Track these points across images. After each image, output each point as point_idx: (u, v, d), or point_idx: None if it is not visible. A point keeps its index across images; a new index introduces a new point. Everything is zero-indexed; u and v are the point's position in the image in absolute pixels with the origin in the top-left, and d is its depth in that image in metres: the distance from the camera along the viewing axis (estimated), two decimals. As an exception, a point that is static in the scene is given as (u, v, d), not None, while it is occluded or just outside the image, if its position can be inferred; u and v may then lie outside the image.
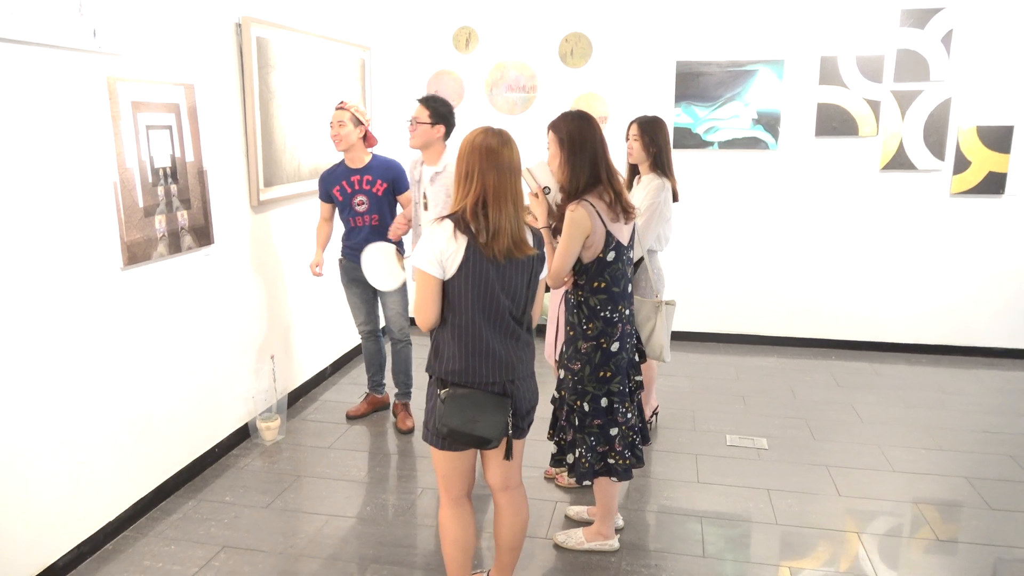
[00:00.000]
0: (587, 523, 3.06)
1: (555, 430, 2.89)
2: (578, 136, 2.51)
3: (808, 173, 5.20)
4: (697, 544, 2.96)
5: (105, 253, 2.87)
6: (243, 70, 3.71)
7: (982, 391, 4.64)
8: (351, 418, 4.19)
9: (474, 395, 2.24)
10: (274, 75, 3.94)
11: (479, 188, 2.18)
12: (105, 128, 2.84)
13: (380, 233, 3.87)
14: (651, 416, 3.91)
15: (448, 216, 2.22)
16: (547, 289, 2.58)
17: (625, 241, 2.61)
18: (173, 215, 3.25)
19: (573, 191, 2.54)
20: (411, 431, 4.05)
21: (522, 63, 5.40)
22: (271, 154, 3.98)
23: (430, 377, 2.37)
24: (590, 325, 2.61)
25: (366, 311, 4.07)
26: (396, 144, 5.41)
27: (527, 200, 2.54)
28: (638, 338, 2.79)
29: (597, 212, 2.50)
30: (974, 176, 4.99)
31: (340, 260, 4.04)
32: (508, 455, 2.35)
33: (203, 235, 3.46)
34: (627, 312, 2.66)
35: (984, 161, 4.96)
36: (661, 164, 3.50)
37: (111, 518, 2.96)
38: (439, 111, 3.53)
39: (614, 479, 2.75)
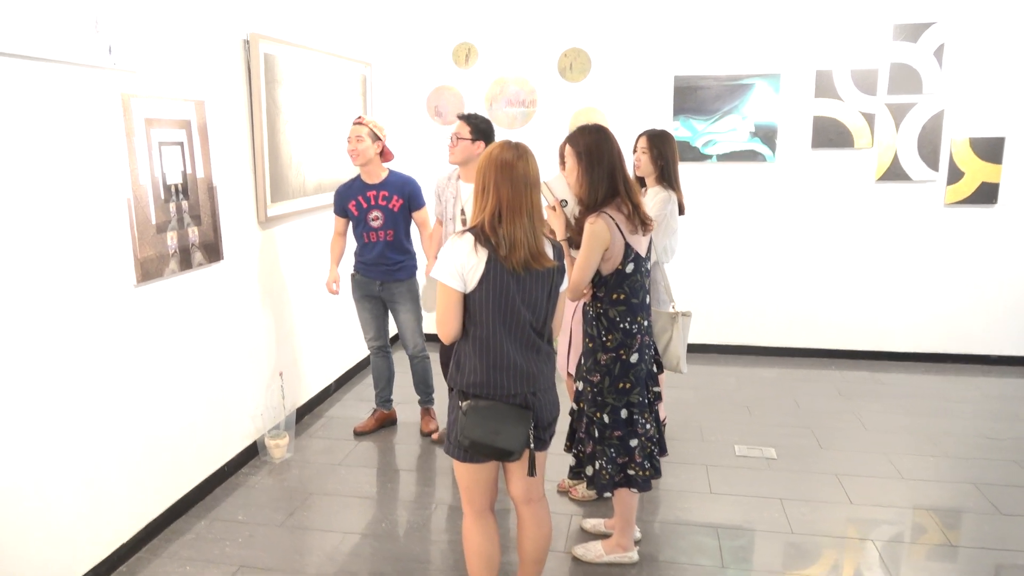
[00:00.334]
0: (604, 535, 3.06)
1: (573, 442, 2.90)
2: (595, 149, 2.54)
3: (805, 185, 5.27)
4: (715, 555, 2.96)
5: (119, 270, 2.85)
6: (251, 86, 3.71)
7: (981, 398, 4.70)
8: (359, 434, 4.17)
9: (496, 407, 2.24)
10: (280, 91, 3.95)
11: (495, 201, 2.20)
12: (119, 144, 2.83)
13: (394, 249, 3.88)
14: (660, 427, 3.93)
15: (468, 230, 2.24)
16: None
17: (643, 253, 2.63)
18: (184, 231, 3.24)
19: (592, 203, 2.57)
20: (435, 432, 4.12)
21: (522, 78, 5.44)
22: (278, 170, 3.98)
23: (451, 389, 2.38)
24: (609, 337, 2.63)
25: (376, 326, 4.08)
26: (401, 159, 5.42)
27: (545, 213, 2.56)
28: (655, 349, 2.81)
29: (616, 224, 2.53)
30: (967, 186, 5.08)
31: (353, 275, 4.04)
32: (532, 471, 2.35)
33: (213, 251, 3.45)
34: (645, 323, 2.68)
35: (977, 172, 5.05)
36: (668, 177, 3.54)
37: (125, 539, 2.92)
38: (480, 127, 3.59)
39: (634, 490, 2.76)
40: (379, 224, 3.88)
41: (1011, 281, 5.17)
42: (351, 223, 3.98)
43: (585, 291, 2.63)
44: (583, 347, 2.75)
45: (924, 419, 4.33)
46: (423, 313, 4.04)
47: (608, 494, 2.72)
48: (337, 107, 4.66)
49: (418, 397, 4.24)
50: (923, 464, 3.75)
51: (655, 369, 2.81)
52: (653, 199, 3.53)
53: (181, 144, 3.20)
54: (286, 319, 4.20)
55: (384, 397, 4.23)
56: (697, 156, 5.30)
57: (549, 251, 2.28)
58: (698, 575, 2.83)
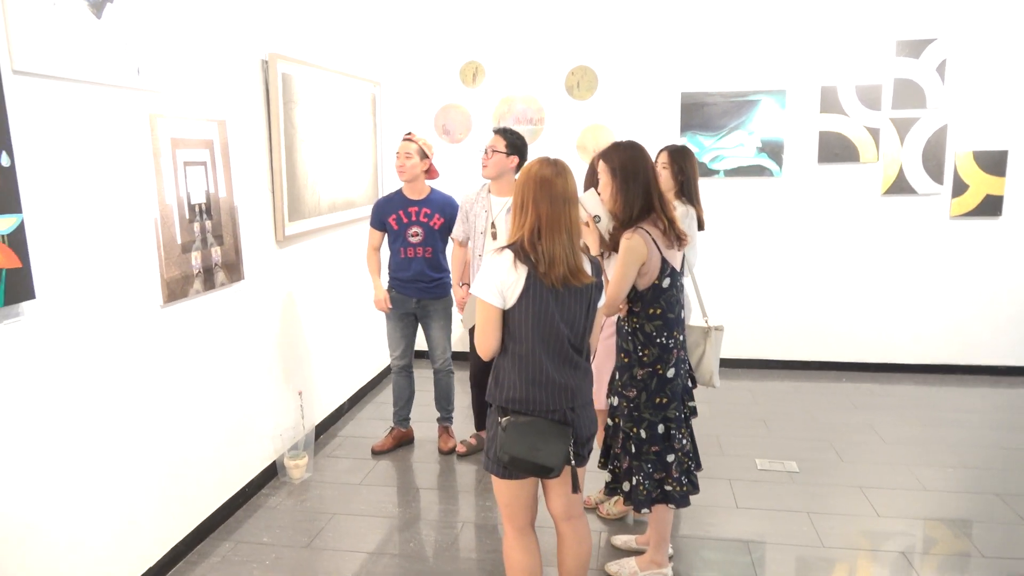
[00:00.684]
0: (636, 552, 3.04)
1: (608, 458, 2.89)
2: (631, 165, 2.55)
3: (812, 199, 5.32)
4: (748, 569, 2.95)
5: (146, 290, 2.83)
6: (269, 105, 3.71)
7: (990, 408, 4.73)
8: (377, 453, 4.13)
9: (535, 423, 2.23)
10: (297, 110, 3.95)
11: (534, 218, 2.21)
12: (147, 164, 2.82)
13: (432, 266, 3.90)
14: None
15: (507, 246, 2.24)
16: None
17: (678, 267, 2.64)
18: (207, 251, 3.22)
19: (627, 219, 2.57)
20: (452, 452, 4.11)
21: (529, 96, 5.47)
22: (294, 189, 3.97)
23: (490, 406, 2.37)
24: (646, 351, 2.63)
25: (405, 345, 4.07)
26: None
27: (580, 229, 2.56)
28: (688, 364, 2.82)
29: (653, 239, 2.54)
30: (972, 199, 5.15)
31: (388, 291, 4.03)
32: (576, 488, 2.34)
33: (234, 271, 3.43)
34: (680, 338, 2.68)
35: (981, 184, 5.12)
36: (688, 192, 3.57)
37: (152, 563, 2.87)
38: (515, 143, 3.62)
39: (671, 506, 2.74)
40: (418, 240, 3.90)
41: (1016, 292, 5.23)
42: (388, 237, 3.99)
43: (621, 306, 2.63)
44: (618, 362, 2.75)
45: (939, 430, 4.35)
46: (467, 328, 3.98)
47: (646, 510, 2.70)
48: (348, 126, 4.67)
49: (438, 414, 4.21)
50: (944, 475, 3.76)
51: (690, 383, 2.81)
52: (671, 214, 3.55)
53: (204, 164, 3.19)
54: (303, 338, 4.17)
55: (402, 416, 4.20)
56: (705, 172, 5.34)
57: (587, 267, 2.29)
58: (734, 590, 2.82)
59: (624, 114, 5.39)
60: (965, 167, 5.12)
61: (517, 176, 2.28)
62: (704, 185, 5.34)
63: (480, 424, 4.13)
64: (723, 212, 5.40)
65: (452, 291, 3.99)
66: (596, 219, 2.70)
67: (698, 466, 2.83)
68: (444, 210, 3.93)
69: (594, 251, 2.67)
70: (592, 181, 3.18)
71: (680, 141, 5.31)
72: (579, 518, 2.45)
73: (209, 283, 3.23)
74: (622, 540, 3.12)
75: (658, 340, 2.61)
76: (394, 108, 5.56)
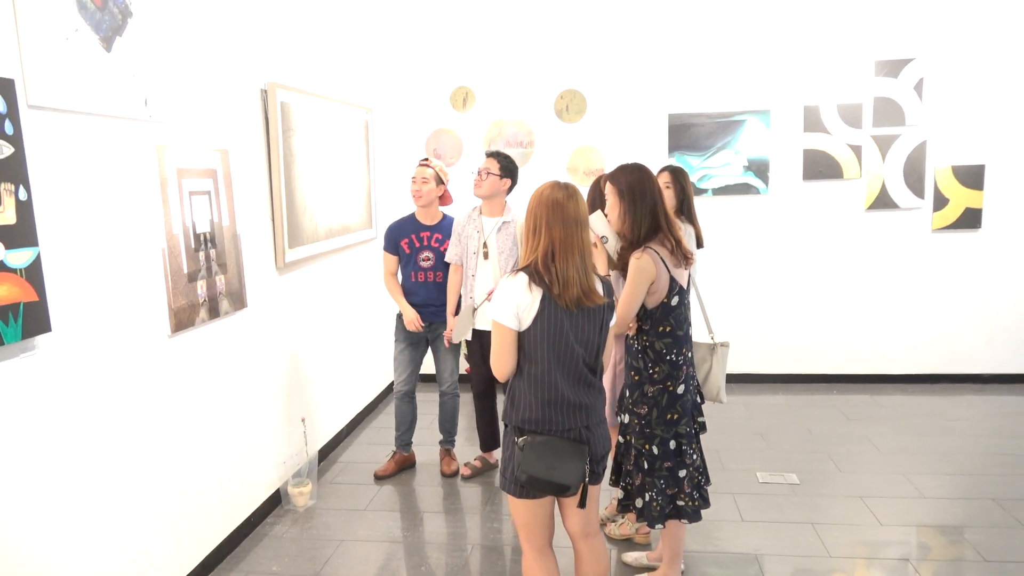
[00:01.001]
0: (648, 568, 3.06)
1: (619, 476, 2.92)
2: (638, 187, 2.62)
3: (798, 216, 5.44)
4: (760, 582, 2.99)
5: (154, 320, 2.82)
6: (268, 134, 3.74)
7: (980, 416, 4.83)
8: (380, 478, 4.12)
9: (552, 442, 2.26)
10: (295, 138, 3.98)
11: (547, 241, 2.25)
12: (154, 195, 2.83)
13: (443, 291, 3.97)
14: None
15: (522, 269, 2.28)
16: None
17: (685, 285, 2.70)
18: (212, 280, 3.22)
19: (635, 239, 2.63)
20: (455, 475, 4.12)
21: (519, 120, 5.55)
22: (293, 215, 3.99)
23: (506, 426, 2.39)
24: (656, 369, 2.68)
25: (412, 370, 4.09)
26: (399, 202, 5.48)
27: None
28: (696, 380, 2.87)
29: (661, 258, 2.59)
30: (953, 212, 5.30)
31: (400, 315, 4.06)
32: (583, 503, 2.36)
33: (238, 299, 3.43)
34: (689, 355, 2.74)
35: (961, 198, 5.28)
36: (687, 210, 3.65)
37: (164, 596, 2.84)
38: (508, 167, 3.74)
39: (684, 521, 2.78)
40: (429, 265, 3.97)
41: (998, 302, 5.37)
42: (399, 261, 4.06)
43: (631, 325, 2.68)
44: (627, 380, 2.79)
45: (932, 438, 4.44)
46: (455, 343, 3.99)
47: (660, 526, 2.73)
48: (342, 152, 4.70)
49: (440, 437, 4.22)
50: (941, 483, 3.84)
51: (698, 399, 2.85)
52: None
53: (208, 193, 3.21)
54: (304, 365, 4.17)
55: (405, 440, 4.20)
56: (693, 191, 5.43)
57: (599, 287, 2.33)
58: (747, 603, 2.85)
59: (613, 136, 5.48)
60: (945, 182, 5.27)
61: (528, 199, 2.32)
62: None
63: (485, 445, 4.14)
64: (712, 230, 5.48)
65: (447, 319, 4.00)
66: (603, 240, 2.76)
67: (707, 480, 2.87)
68: None
69: (602, 272, 2.71)
70: (597, 202, 3.24)
71: (669, 161, 5.41)
72: (596, 536, 2.47)
73: (214, 312, 3.23)
74: (632, 557, 3.14)
75: (668, 357, 2.66)
76: (386, 133, 5.61)
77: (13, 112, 2.12)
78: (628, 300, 2.60)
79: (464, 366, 4.23)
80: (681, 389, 2.69)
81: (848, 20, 5.17)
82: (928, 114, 5.21)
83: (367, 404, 5.18)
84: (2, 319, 2.07)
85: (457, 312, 3.93)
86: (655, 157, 5.39)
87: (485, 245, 3.76)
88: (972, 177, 5.25)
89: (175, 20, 2.96)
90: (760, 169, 5.39)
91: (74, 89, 2.39)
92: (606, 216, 2.80)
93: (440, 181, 3.94)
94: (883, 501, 3.65)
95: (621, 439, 2.88)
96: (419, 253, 3.97)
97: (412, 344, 4.07)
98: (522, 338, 2.27)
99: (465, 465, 4.14)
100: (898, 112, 5.23)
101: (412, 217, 4.06)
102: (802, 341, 5.58)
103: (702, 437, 2.88)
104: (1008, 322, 5.39)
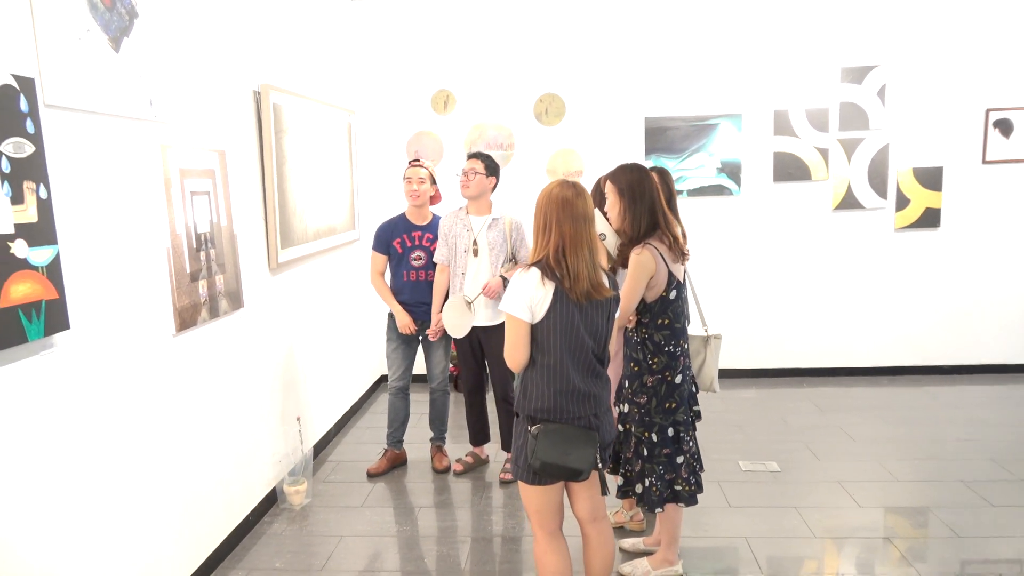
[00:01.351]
0: (645, 553, 3.18)
1: (617, 463, 3.03)
2: (637, 186, 2.74)
3: (769, 216, 5.65)
4: (751, 563, 3.13)
5: (159, 319, 2.84)
6: (261, 135, 3.77)
7: (940, 405, 5.09)
8: (372, 475, 4.17)
9: (565, 429, 2.36)
10: (286, 139, 4.01)
11: (557, 237, 2.36)
12: (159, 194, 2.85)
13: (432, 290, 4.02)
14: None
15: (534, 264, 2.38)
16: None
17: (682, 280, 2.83)
18: (212, 280, 3.24)
19: (634, 236, 2.75)
20: (446, 471, 4.18)
21: (500, 123, 5.65)
22: (285, 216, 4.02)
23: (517, 416, 2.49)
24: (655, 360, 2.80)
25: (405, 366, 4.14)
26: (382, 204, 5.54)
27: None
28: (691, 370, 3.00)
29: (660, 254, 2.72)
30: (914, 212, 5.57)
31: (392, 314, 4.11)
32: (604, 489, 2.48)
33: (235, 299, 3.46)
34: (685, 346, 2.87)
35: (921, 199, 5.55)
36: (673, 210, 3.77)
37: (172, 594, 2.86)
38: (491, 165, 3.83)
39: (681, 505, 2.90)
40: (421, 264, 4.03)
41: (955, 296, 5.66)
42: (390, 260, 4.11)
43: (631, 318, 2.80)
44: (627, 371, 2.91)
45: (899, 427, 4.67)
46: (449, 335, 3.99)
47: (659, 509, 2.85)
48: (328, 153, 4.74)
49: (431, 434, 4.28)
50: (912, 467, 4.05)
51: (694, 389, 2.98)
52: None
53: (208, 193, 3.23)
54: (299, 364, 4.20)
55: (396, 437, 4.25)
56: (669, 192, 5.60)
57: (606, 280, 2.45)
58: (741, 583, 2.99)
59: (591, 139, 5.62)
60: (906, 183, 5.53)
61: (537, 198, 2.42)
62: (671, 204, 5.64)
63: (475, 441, 4.22)
64: (687, 230, 5.63)
65: (432, 317, 4.06)
66: (601, 237, 2.87)
67: (702, 467, 3.00)
68: None
69: (603, 266, 2.82)
70: (597, 202, 3.34)
71: (645, 163, 5.56)
72: (603, 520, 2.58)
73: (214, 311, 3.25)
74: (630, 543, 3.26)
75: (666, 348, 2.79)
76: (369, 136, 5.65)
77: (34, 111, 2.15)
78: (628, 294, 2.72)
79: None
80: (679, 379, 2.81)
81: (815, 28, 5.40)
82: (890, 119, 5.47)
83: (354, 403, 5.21)
84: (26, 316, 2.09)
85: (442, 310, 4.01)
86: (632, 159, 5.49)
87: (475, 243, 3.84)
88: (931, 178, 5.52)
89: (175, 20, 2.99)
90: (733, 171, 5.59)
91: (86, 88, 2.41)
92: (605, 215, 2.91)
93: (433, 180, 4.03)
94: (859, 485, 3.83)
95: (620, 428, 2.99)
96: (411, 252, 4.04)
97: (405, 341, 4.13)
98: (535, 330, 2.36)
99: (457, 461, 4.22)
100: (862, 117, 5.47)
101: (403, 217, 4.12)
102: (773, 336, 5.79)
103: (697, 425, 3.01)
104: (965, 316, 5.67)
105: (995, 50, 5.34)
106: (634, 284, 2.71)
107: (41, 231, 2.16)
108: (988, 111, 5.40)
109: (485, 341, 3.93)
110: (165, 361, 2.87)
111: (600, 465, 2.43)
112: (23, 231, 2.08)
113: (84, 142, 2.42)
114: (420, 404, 4.81)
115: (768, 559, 3.16)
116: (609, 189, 2.80)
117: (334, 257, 4.92)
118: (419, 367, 4.68)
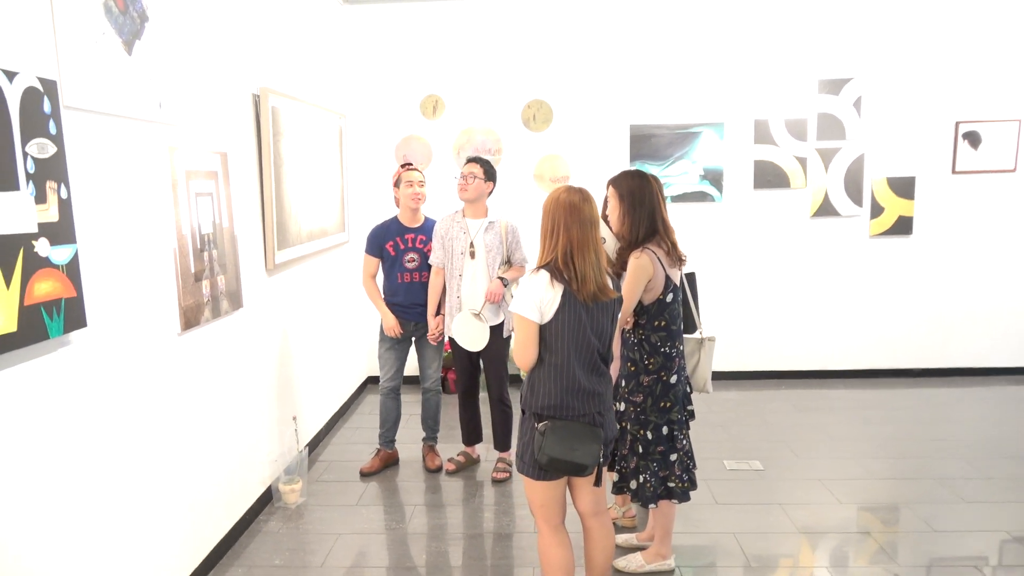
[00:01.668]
0: (637, 548, 3.29)
1: (613, 460, 3.13)
2: (638, 192, 2.85)
3: (749, 222, 5.81)
4: (740, 557, 3.25)
5: (165, 318, 2.88)
6: (260, 137, 3.81)
7: (913, 406, 5.28)
8: (365, 475, 4.22)
9: (571, 426, 2.46)
10: (283, 142, 4.06)
11: (565, 241, 2.46)
12: (166, 195, 2.89)
13: (427, 290, 4.10)
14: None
15: (543, 267, 2.48)
16: None
17: (678, 284, 2.94)
18: (214, 280, 3.28)
19: (634, 240, 2.86)
20: (438, 470, 4.26)
21: (488, 128, 5.74)
22: (282, 218, 4.06)
23: (523, 412, 2.58)
24: (651, 360, 2.90)
25: (397, 367, 4.20)
26: (372, 207, 5.59)
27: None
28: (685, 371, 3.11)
29: (658, 258, 2.83)
30: (888, 220, 5.77)
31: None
32: (598, 481, 2.58)
33: (236, 299, 3.49)
34: (681, 347, 2.98)
35: (894, 207, 5.75)
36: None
37: (176, 590, 2.89)
38: (489, 171, 3.91)
39: (674, 501, 3.01)
40: (414, 266, 4.09)
41: (927, 302, 5.87)
42: (383, 263, 4.16)
43: (628, 319, 2.90)
44: (623, 370, 3.01)
45: (876, 427, 4.84)
46: (470, 350, 3.99)
47: (653, 505, 2.96)
48: (321, 156, 4.79)
49: (424, 434, 4.35)
50: (888, 465, 4.21)
51: (688, 389, 3.10)
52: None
53: (211, 194, 3.27)
54: (293, 364, 4.24)
55: (389, 437, 4.31)
56: (653, 198, 5.74)
57: (610, 282, 2.55)
58: (731, 576, 3.11)
59: (578, 145, 5.73)
60: (880, 191, 5.73)
61: (544, 202, 2.51)
62: (654, 210, 5.77)
63: (468, 440, 4.29)
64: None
65: (428, 320, 4.13)
66: (602, 241, 2.97)
67: (694, 464, 3.11)
68: None
69: (602, 270, 2.93)
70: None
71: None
72: (604, 514, 2.68)
73: (216, 311, 3.29)
74: (623, 538, 3.36)
75: (663, 349, 2.90)
76: (358, 139, 5.70)
77: (56, 112, 2.19)
78: (627, 296, 2.82)
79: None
80: (674, 379, 2.92)
81: (795, 42, 5.58)
82: (866, 129, 5.67)
83: (343, 403, 5.25)
84: (47, 314, 2.12)
85: (438, 313, 4.08)
86: (617, 166, 5.66)
87: (472, 245, 3.92)
88: (904, 187, 5.73)
89: (182, 24, 3.03)
90: (715, 178, 5.74)
91: (102, 91, 2.45)
92: (605, 219, 3.01)
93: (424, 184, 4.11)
94: (840, 482, 3.99)
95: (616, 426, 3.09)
96: (404, 255, 4.10)
97: (398, 342, 4.19)
98: (543, 330, 2.45)
99: (449, 460, 4.29)
100: (839, 127, 5.66)
101: (395, 220, 4.18)
102: (752, 340, 5.95)
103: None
104: (936, 321, 5.89)
105: (965, 66, 5.56)
106: (633, 286, 2.81)
107: (62, 230, 2.20)
108: (958, 123, 5.63)
109: None
110: (170, 360, 2.91)
111: (602, 460, 2.53)
112: (46, 230, 2.12)
113: (99, 143, 2.46)
114: (409, 404, 4.87)
115: (755, 554, 3.28)
116: (611, 193, 2.91)
117: (325, 259, 4.97)
118: (408, 368, 4.73)
